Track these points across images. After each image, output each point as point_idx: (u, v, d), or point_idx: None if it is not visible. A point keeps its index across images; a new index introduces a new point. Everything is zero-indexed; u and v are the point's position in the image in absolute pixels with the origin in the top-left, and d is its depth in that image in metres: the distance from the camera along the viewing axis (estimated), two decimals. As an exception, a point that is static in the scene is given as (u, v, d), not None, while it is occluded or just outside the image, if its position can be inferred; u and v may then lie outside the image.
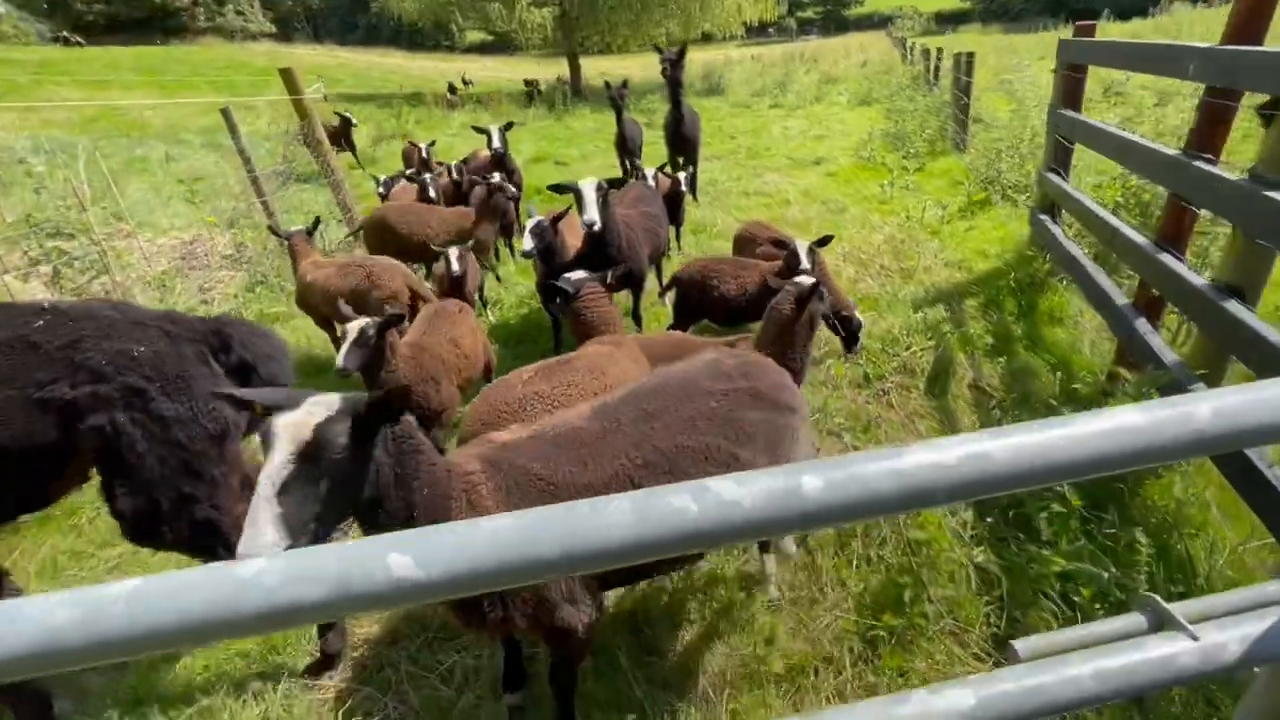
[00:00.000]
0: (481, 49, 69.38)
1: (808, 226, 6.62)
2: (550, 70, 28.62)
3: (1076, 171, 4.81)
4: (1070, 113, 4.31)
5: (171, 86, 23.73)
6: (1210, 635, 0.78)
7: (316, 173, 10.82)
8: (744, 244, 4.47)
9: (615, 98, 7.83)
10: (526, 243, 3.78)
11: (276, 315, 4.92)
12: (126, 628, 0.56)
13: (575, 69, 25.08)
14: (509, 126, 6.57)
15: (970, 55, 9.04)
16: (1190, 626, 0.79)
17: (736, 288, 3.73)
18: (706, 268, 3.85)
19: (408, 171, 6.22)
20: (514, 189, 5.60)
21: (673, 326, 4.01)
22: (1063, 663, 0.78)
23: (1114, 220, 3.36)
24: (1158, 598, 0.85)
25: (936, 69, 13.74)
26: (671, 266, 5.43)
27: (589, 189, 3.68)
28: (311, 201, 8.63)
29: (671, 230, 6.10)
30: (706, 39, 27.27)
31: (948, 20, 71.17)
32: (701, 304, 3.83)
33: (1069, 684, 0.76)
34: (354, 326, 2.78)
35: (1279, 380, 0.67)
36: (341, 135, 11.21)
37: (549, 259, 3.91)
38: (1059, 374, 3.31)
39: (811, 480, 0.64)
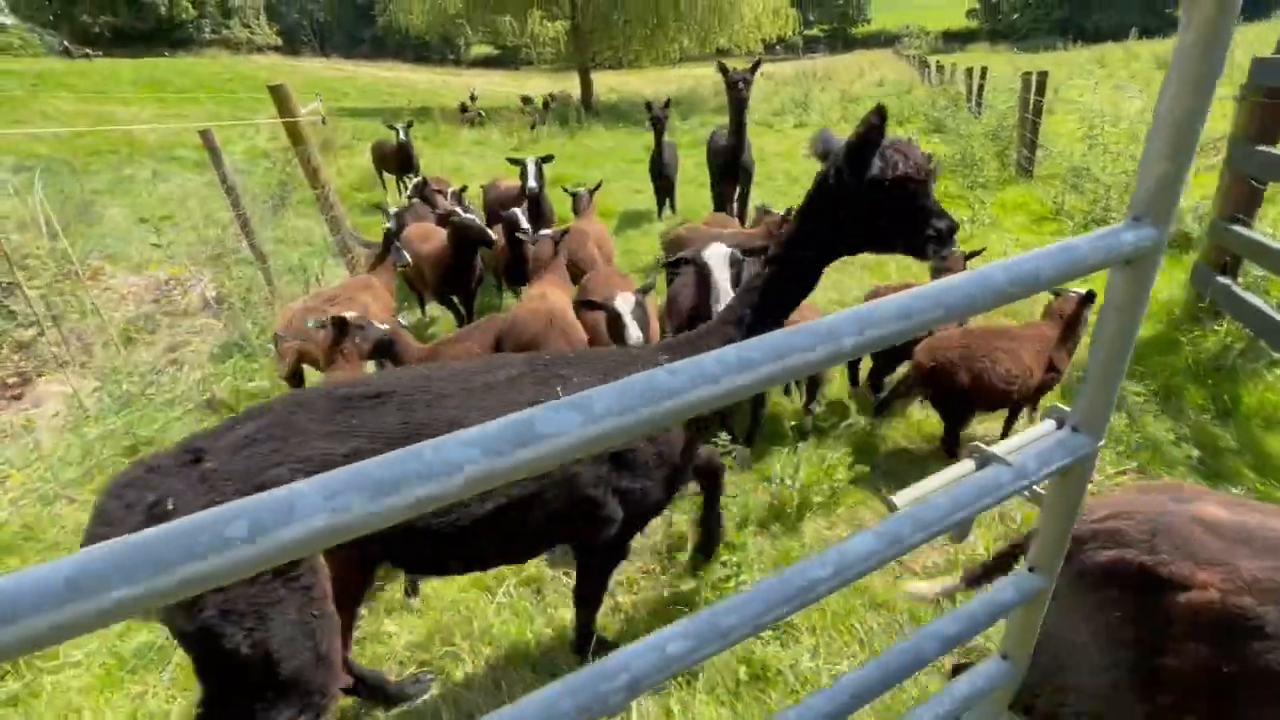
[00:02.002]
0: (486, 63, 69.13)
1: (883, 271, 5.68)
2: (557, 85, 27.91)
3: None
4: (1273, 150, 3.38)
5: (172, 99, 22.97)
6: (1019, 461, 1.05)
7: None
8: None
9: (659, 119, 6.93)
10: (633, 332, 2.74)
11: (254, 393, 3.96)
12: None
13: (587, 84, 24.34)
14: (548, 159, 5.64)
15: (1043, 75, 8.15)
16: (1006, 458, 1.06)
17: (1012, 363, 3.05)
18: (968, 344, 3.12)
19: (438, 211, 5.30)
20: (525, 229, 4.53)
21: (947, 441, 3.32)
22: (931, 500, 1.01)
23: None
24: (980, 444, 1.11)
25: (980, 89, 12.88)
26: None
27: (719, 262, 2.60)
28: (310, 233, 7.71)
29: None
30: (721, 54, 26.60)
31: (955, 39, 70.92)
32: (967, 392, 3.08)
33: (938, 512, 0.99)
34: None
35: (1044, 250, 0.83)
36: (401, 156, 9.21)
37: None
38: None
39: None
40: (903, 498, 1.05)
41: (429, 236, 4.69)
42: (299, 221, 8.49)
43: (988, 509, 1.05)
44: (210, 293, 5.63)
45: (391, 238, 4.45)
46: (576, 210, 5.74)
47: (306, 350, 3.56)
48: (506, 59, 66.76)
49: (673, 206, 8.01)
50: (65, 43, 41.94)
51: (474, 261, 4.48)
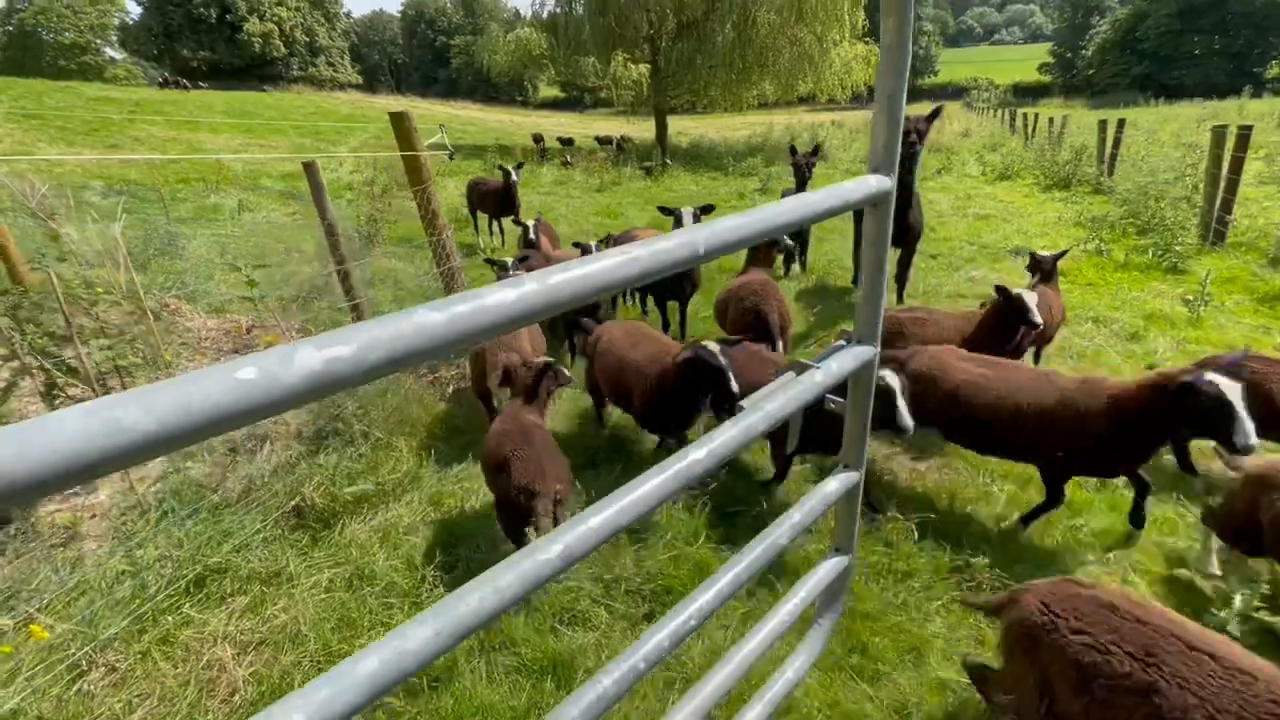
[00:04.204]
0: (554, 105, 70.98)
1: (1111, 366, 4.51)
2: (622, 128, 27.75)
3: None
4: None
5: (259, 130, 23.57)
6: (827, 366, 1.34)
7: (405, 237, 9.36)
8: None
9: (803, 166, 5.98)
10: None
11: (357, 498, 3.02)
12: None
13: (662, 126, 23.96)
14: (708, 209, 4.73)
15: (1246, 129, 6.95)
16: (817, 365, 1.34)
17: None
18: None
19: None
20: None
21: None
22: (765, 401, 1.24)
23: None
24: (799, 359, 1.43)
25: (1116, 143, 11.64)
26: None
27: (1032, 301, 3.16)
28: (401, 274, 7.01)
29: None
30: (803, 102, 25.99)
31: (1027, 93, 69.39)
32: None
33: (778, 404, 1.23)
34: None
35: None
36: (502, 196, 8.61)
37: None
38: None
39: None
40: (748, 401, 1.26)
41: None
42: (386, 261, 7.85)
43: (812, 403, 1.31)
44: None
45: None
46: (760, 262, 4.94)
47: (513, 365, 3.47)
48: (573, 101, 68.47)
49: (803, 265, 7.03)
50: (165, 74, 44.51)
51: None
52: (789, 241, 4.85)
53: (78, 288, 4.46)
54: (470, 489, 3.26)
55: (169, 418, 0.46)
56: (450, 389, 4.26)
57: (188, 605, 2.49)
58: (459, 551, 2.77)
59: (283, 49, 54.77)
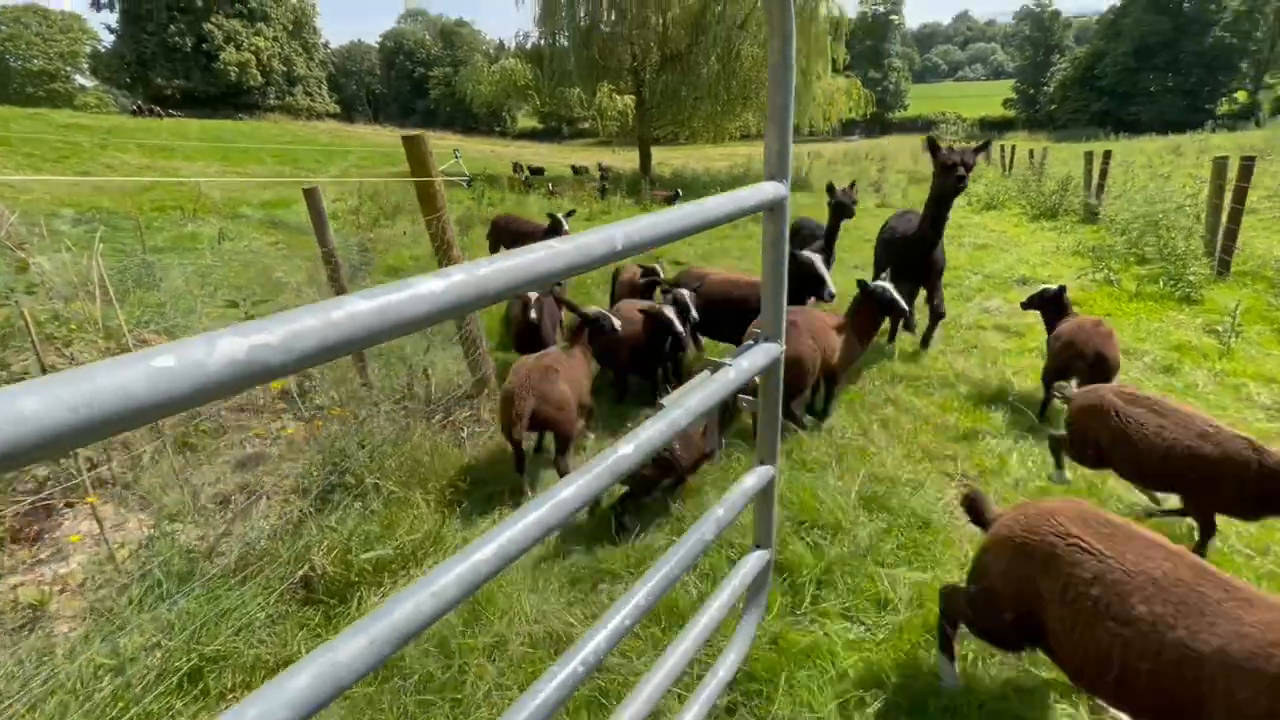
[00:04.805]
0: (533, 135, 71.45)
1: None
2: (599, 158, 27.85)
3: None
4: None
5: (236, 158, 23.09)
6: (739, 364, 1.39)
7: (394, 267, 9.01)
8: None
9: (845, 203, 5.62)
10: None
11: (376, 565, 2.64)
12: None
13: (646, 156, 24.08)
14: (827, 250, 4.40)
15: (1249, 160, 7.00)
16: (729, 363, 1.38)
17: None
18: None
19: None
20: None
21: None
22: (685, 398, 1.26)
23: None
24: (712, 359, 1.46)
25: (1103, 173, 11.83)
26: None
27: None
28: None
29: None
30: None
31: (992, 127, 71.72)
32: None
33: (697, 400, 1.24)
34: None
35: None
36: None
37: None
38: None
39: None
40: (668, 399, 1.28)
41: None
42: (379, 292, 7.50)
43: (728, 398, 1.36)
44: (290, 384, 4.47)
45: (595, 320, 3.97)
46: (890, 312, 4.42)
47: (542, 412, 3.29)
48: (552, 132, 69.00)
49: (910, 327, 6.57)
50: (138, 102, 43.76)
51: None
52: (904, 305, 4.30)
53: (48, 323, 4.06)
54: (500, 550, 2.91)
55: (77, 408, 0.44)
56: (465, 432, 3.91)
57: (181, 705, 2.09)
58: (499, 628, 2.40)
59: (259, 78, 54.37)
